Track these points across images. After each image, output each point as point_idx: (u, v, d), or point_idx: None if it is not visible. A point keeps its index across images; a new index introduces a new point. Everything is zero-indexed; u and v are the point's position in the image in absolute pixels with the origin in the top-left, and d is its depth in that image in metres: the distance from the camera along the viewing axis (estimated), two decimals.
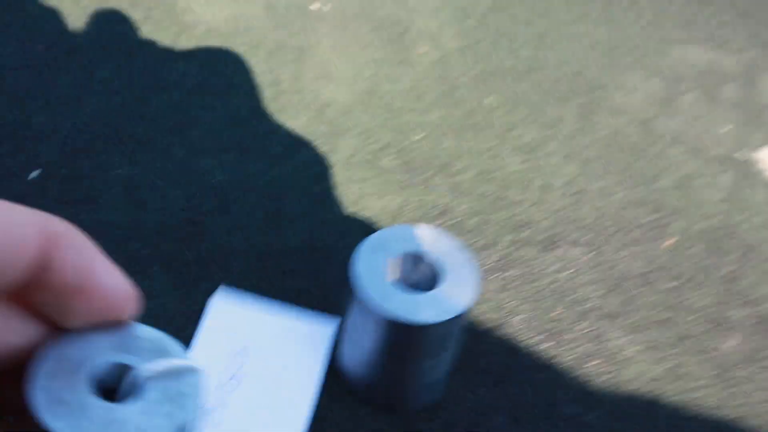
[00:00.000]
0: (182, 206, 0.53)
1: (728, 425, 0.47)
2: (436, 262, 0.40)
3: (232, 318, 0.45)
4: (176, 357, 0.25)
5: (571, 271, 0.54)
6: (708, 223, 0.59)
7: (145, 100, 0.60)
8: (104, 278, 0.25)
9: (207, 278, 0.49)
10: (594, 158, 0.62)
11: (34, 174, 0.53)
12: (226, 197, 0.54)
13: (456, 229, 0.55)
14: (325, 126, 0.61)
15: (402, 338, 0.39)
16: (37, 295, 0.25)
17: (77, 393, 0.24)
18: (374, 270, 0.39)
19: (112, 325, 0.26)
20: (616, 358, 0.49)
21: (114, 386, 0.25)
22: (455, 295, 0.39)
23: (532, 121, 0.64)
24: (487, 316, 0.50)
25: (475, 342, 0.48)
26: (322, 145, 0.59)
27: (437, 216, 0.56)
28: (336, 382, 0.45)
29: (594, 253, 0.55)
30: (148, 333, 0.26)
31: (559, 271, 0.53)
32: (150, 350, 0.26)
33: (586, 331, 0.50)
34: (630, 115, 0.66)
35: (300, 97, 0.62)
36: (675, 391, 0.48)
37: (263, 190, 0.55)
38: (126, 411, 0.24)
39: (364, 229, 0.54)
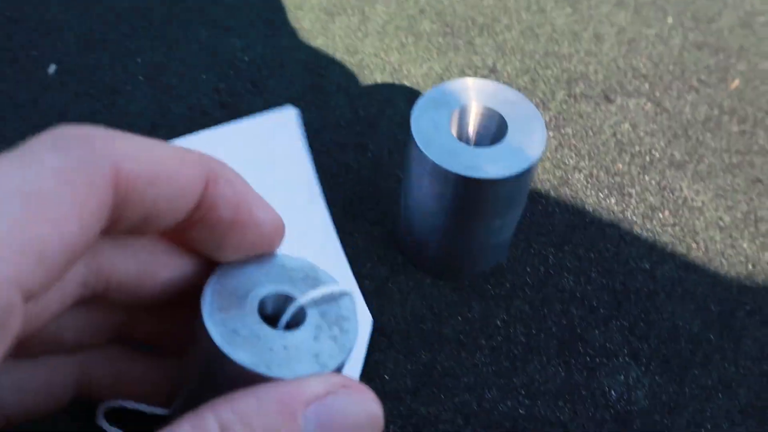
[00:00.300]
0: (212, 89, 0.50)
1: None
2: (500, 114, 0.37)
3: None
4: (328, 283, 0.27)
5: (631, 122, 0.50)
6: None
7: None
8: (258, 212, 0.25)
9: None
10: (647, 2, 0.58)
11: (51, 69, 0.50)
12: (258, 76, 0.51)
13: None
14: None
15: (468, 196, 0.36)
16: (194, 230, 0.24)
17: (249, 323, 0.25)
18: (435, 125, 0.37)
19: (261, 256, 0.26)
20: (684, 208, 0.46)
21: (274, 315, 0.26)
22: (522, 148, 0.36)
23: None
24: (547, 176, 0.47)
25: (537, 203, 0.46)
26: (355, 14, 0.56)
27: (485, 77, 0.52)
28: (394, 254, 0.43)
29: (654, 102, 0.52)
30: (296, 262, 0.28)
31: (618, 124, 0.50)
32: (302, 279, 0.27)
33: (651, 183, 0.47)
34: None
35: None
36: (749, 238, 0.45)
37: (297, 67, 0.52)
38: (297, 337, 0.26)
39: (408, 96, 0.51)
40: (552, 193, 0.46)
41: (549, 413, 0.38)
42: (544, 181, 0.47)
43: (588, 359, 0.40)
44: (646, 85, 0.53)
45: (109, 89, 0.50)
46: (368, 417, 0.23)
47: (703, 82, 0.53)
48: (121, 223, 0.23)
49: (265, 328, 0.25)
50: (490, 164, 0.36)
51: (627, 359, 0.40)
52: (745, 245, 0.45)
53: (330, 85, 0.51)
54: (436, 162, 0.35)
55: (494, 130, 0.38)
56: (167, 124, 0.48)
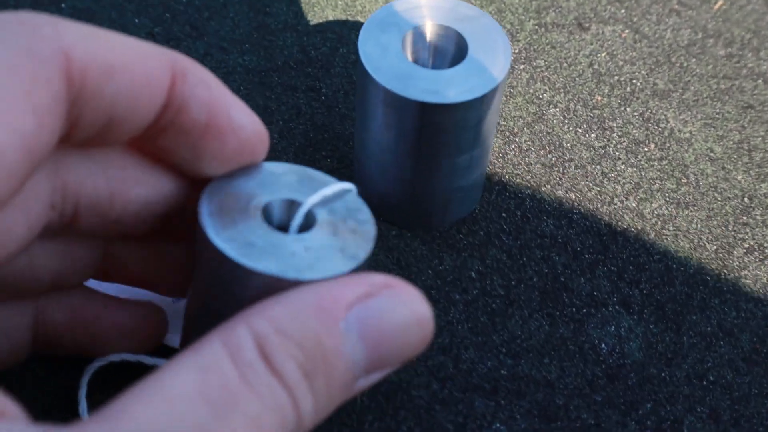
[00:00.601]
0: (146, 35, 0.45)
1: None
2: (458, 32, 0.33)
3: None
4: (328, 182, 0.26)
5: (608, 51, 0.46)
6: None
7: None
8: (236, 115, 0.22)
9: None
10: None
11: None
12: (198, 18, 0.46)
13: None
14: None
15: (429, 125, 0.32)
16: (166, 139, 0.21)
17: (260, 234, 0.23)
18: (385, 49, 0.32)
19: (247, 168, 0.23)
20: (671, 140, 0.42)
21: (281, 224, 0.25)
22: (486, 68, 0.32)
23: None
24: (520, 112, 0.43)
25: (510, 142, 0.42)
26: None
27: None
28: None
29: (632, 28, 0.47)
30: (286, 167, 0.27)
31: (594, 53, 0.46)
32: (298, 182, 0.26)
33: (634, 114, 0.43)
34: None
35: None
36: (743, 169, 0.41)
37: (240, 5, 0.47)
38: (316, 237, 0.24)
39: None
40: (526, 130, 0.42)
41: (534, 372, 0.34)
42: (517, 117, 0.43)
43: (574, 310, 0.36)
44: (623, 11, 0.48)
45: None
46: (416, 318, 0.21)
47: (684, 4, 0.49)
48: (81, 128, 0.21)
49: (279, 235, 0.24)
50: (451, 87, 0.31)
51: (617, 308, 0.36)
52: (739, 177, 0.41)
53: (277, 23, 0.46)
54: (389, 88, 0.30)
55: (453, 51, 0.34)
56: None
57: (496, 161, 0.41)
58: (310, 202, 0.25)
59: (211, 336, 0.19)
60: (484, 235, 0.38)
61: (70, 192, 0.23)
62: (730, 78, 0.45)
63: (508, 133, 0.42)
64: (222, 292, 0.24)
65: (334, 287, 0.21)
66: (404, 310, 0.21)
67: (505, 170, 0.40)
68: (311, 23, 0.46)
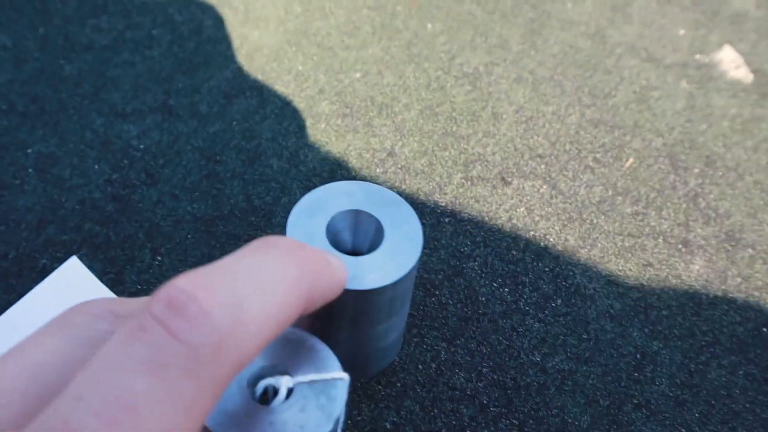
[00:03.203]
0: (104, 181, 0.49)
1: (698, 354, 0.45)
2: (376, 218, 0.37)
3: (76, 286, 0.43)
4: (328, 367, 0.30)
5: (526, 206, 0.51)
6: (668, 137, 0.56)
7: (53, 67, 0.56)
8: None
9: (138, 259, 0.46)
10: (545, 78, 0.59)
11: None
12: (153, 165, 0.51)
13: (403, 172, 0.52)
14: (255, 74, 0.57)
15: (348, 306, 0.36)
16: None
17: (239, 403, 0.28)
18: (311, 235, 0.36)
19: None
20: (576, 296, 0.47)
21: (272, 389, 0.29)
22: (401, 253, 0.36)
23: (476, 46, 0.60)
24: (442, 266, 0.47)
25: (431, 294, 0.46)
26: (254, 97, 0.55)
27: (382, 161, 0.52)
28: None
29: (550, 184, 0.52)
30: (296, 334, 0.31)
31: (514, 208, 0.51)
32: (294, 350, 0.30)
33: (545, 270, 0.48)
34: (581, 27, 0.63)
35: (225, 45, 0.58)
36: (638, 326, 0.46)
37: (193, 154, 0.51)
38: (284, 412, 0.28)
39: (306, 182, 0.50)
40: (446, 283, 0.46)
41: None
42: (439, 271, 0.47)
43: None
44: (543, 166, 0.53)
45: None
46: None
47: (598, 161, 0.54)
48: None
49: (254, 407, 0.28)
50: (368, 273, 0.35)
51: None
52: (635, 334, 0.45)
53: (226, 172, 0.51)
54: None
55: (372, 235, 0.38)
56: (57, 220, 0.47)
57: (416, 313, 0.45)
58: (297, 380, 0.29)
59: None
60: (400, 387, 0.42)
61: None
62: (634, 236, 0.50)
63: (429, 286, 0.46)
64: None
65: None
66: None
67: (423, 322, 0.45)
68: (257, 172, 0.51)
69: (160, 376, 0.20)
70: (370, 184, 0.39)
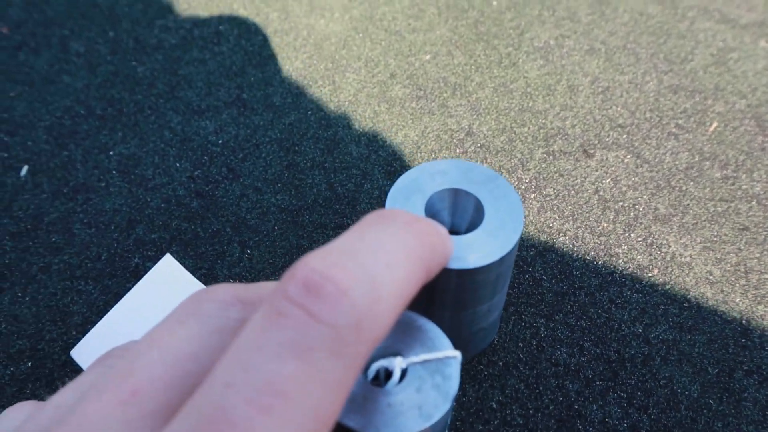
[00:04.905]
0: (187, 178, 0.50)
1: None
2: (475, 196, 0.37)
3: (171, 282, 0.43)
4: (439, 345, 0.30)
5: (612, 177, 0.50)
6: (752, 98, 0.54)
7: (126, 69, 0.56)
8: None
9: (228, 253, 0.46)
10: (618, 48, 0.57)
11: (23, 171, 0.50)
12: (233, 159, 0.51)
13: (483, 151, 0.51)
14: (326, 63, 0.56)
15: (451, 287, 0.36)
16: None
17: (357, 386, 0.28)
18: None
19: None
20: (673, 264, 0.46)
21: (385, 371, 0.29)
22: (502, 231, 0.35)
23: (544, 20, 0.59)
24: (532, 242, 0.46)
25: (524, 272, 0.45)
26: (326, 85, 0.55)
27: (461, 141, 0.52)
28: None
29: (634, 153, 0.51)
30: (404, 315, 0.31)
31: (600, 180, 0.50)
32: (406, 331, 0.30)
33: (638, 240, 0.47)
34: None
35: (293, 36, 0.58)
36: (740, 291, 0.44)
37: (271, 146, 0.51)
38: (401, 393, 0.28)
39: (385, 167, 0.50)
40: (539, 259, 0.46)
41: None
42: (530, 247, 0.46)
43: None
44: (624, 136, 0.52)
45: (83, 187, 0.49)
46: None
47: (681, 127, 0.53)
48: None
49: (371, 389, 0.28)
50: (470, 253, 0.35)
51: None
52: (737, 299, 0.44)
53: (305, 162, 0.50)
54: None
55: (471, 213, 0.37)
56: (145, 220, 0.47)
57: (511, 291, 0.44)
58: (409, 361, 0.29)
59: None
60: (503, 366, 0.42)
61: None
62: (726, 200, 0.49)
63: (522, 264, 0.46)
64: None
65: None
66: None
67: (520, 300, 0.44)
68: (337, 160, 0.51)
69: (307, 359, 0.20)
70: (465, 161, 0.38)
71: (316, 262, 0.21)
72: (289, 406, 0.20)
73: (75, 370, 0.40)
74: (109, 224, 0.47)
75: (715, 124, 0.53)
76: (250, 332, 0.21)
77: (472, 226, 0.37)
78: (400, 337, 0.31)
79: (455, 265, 0.35)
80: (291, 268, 0.21)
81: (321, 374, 0.21)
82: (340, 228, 0.47)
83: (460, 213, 0.38)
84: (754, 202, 0.48)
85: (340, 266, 0.22)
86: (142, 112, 0.53)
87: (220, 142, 0.52)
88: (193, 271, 0.45)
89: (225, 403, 0.19)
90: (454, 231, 0.38)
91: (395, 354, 0.30)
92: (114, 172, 0.50)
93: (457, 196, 0.38)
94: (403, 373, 0.29)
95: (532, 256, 0.46)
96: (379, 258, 0.24)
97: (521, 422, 0.40)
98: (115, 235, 0.47)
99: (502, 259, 0.35)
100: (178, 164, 0.50)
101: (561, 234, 0.47)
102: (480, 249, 0.35)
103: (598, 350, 0.42)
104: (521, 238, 0.46)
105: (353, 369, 0.21)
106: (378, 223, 0.25)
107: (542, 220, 0.48)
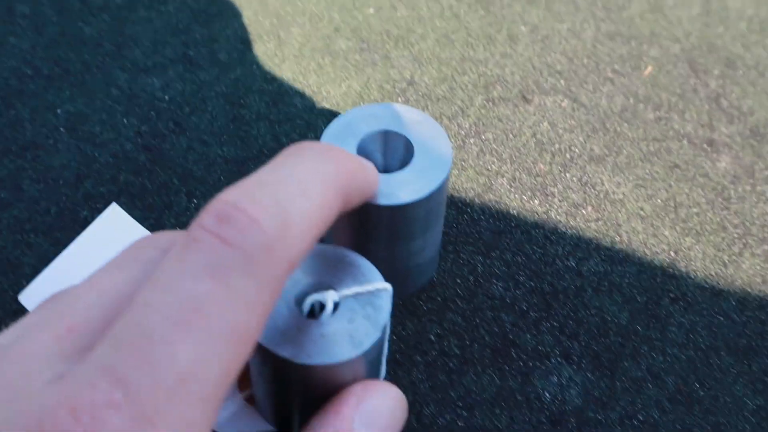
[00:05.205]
0: (134, 133, 0.51)
1: (730, 246, 0.45)
2: (405, 137, 0.38)
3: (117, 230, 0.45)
4: (370, 279, 0.31)
5: (549, 121, 0.51)
6: (686, 42, 0.56)
7: (73, 29, 0.57)
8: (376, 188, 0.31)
9: (175, 203, 0.47)
10: None
11: None
12: (180, 114, 0.52)
13: (425, 100, 0.52)
14: (270, 19, 0.57)
15: (384, 222, 0.37)
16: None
17: (289, 318, 0.29)
18: None
19: None
20: (606, 202, 0.47)
21: (318, 304, 0.31)
22: (431, 168, 0.37)
23: None
24: (471, 184, 0.48)
25: (462, 212, 0.47)
26: (271, 40, 0.56)
27: (403, 90, 0.53)
28: None
29: (571, 98, 0.53)
30: (329, 252, 0.32)
31: (537, 124, 0.51)
32: (335, 264, 0.31)
33: (573, 180, 0.48)
34: None
35: None
36: (669, 225, 0.46)
37: (217, 100, 0.52)
38: (333, 324, 0.29)
39: (329, 118, 0.51)
40: (477, 200, 0.47)
41: (487, 422, 0.39)
42: (468, 189, 0.48)
43: (521, 364, 0.41)
44: (562, 82, 0.54)
45: (32, 145, 0.50)
46: (396, 401, 0.28)
47: (617, 72, 0.54)
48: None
49: (304, 321, 0.29)
50: (400, 190, 0.36)
51: (559, 359, 0.41)
52: (666, 233, 0.46)
53: (251, 115, 0.52)
54: None
55: (402, 153, 0.39)
56: (93, 174, 0.48)
57: (449, 231, 0.46)
58: (342, 294, 0.30)
59: None
60: (441, 301, 0.43)
61: None
62: (659, 140, 0.50)
63: (460, 204, 0.47)
64: (258, 361, 0.30)
65: (338, 400, 0.28)
66: (387, 399, 0.28)
67: (458, 239, 0.46)
68: (282, 112, 0.52)
69: (221, 279, 0.21)
70: (396, 104, 0.40)
71: (229, 195, 0.23)
72: (206, 321, 0.21)
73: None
74: (58, 179, 0.48)
75: (650, 68, 0.54)
76: (168, 259, 0.22)
77: (403, 166, 0.38)
78: (334, 272, 0.32)
79: (386, 201, 0.36)
80: (208, 203, 0.23)
81: (235, 293, 0.22)
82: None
83: (391, 154, 0.39)
84: (684, 141, 0.50)
85: (251, 197, 0.23)
86: (89, 71, 0.54)
87: (166, 98, 0.53)
88: (141, 221, 0.46)
89: (144, 321, 0.20)
90: (386, 172, 0.40)
91: (328, 288, 0.31)
92: (62, 129, 0.51)
93: (387, 137, 0.39)
94: (336, 306, 0.31)
95: (471, 197, 0.47)
96: (291, 186, 0.25)
97: (458, 352, 0.41)
98: (65, 189, 0.48)
99: (430, 195, 0.37)
100: (125, 120, 0.51)
101: (499, 176, 0.49)
102: (409, 186, 0.37)
103: (532, 283, 0.44)
104: (459, 181, 0.48)
105: (268, 289, 0.23)
106: (294, 155, 0.27)
107: (481, 163, 0.49)
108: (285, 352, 0.28)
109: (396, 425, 0.28)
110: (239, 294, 0.22)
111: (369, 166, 0.31)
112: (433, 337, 0.42)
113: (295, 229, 0.24)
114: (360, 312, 0.30)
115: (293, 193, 0.24)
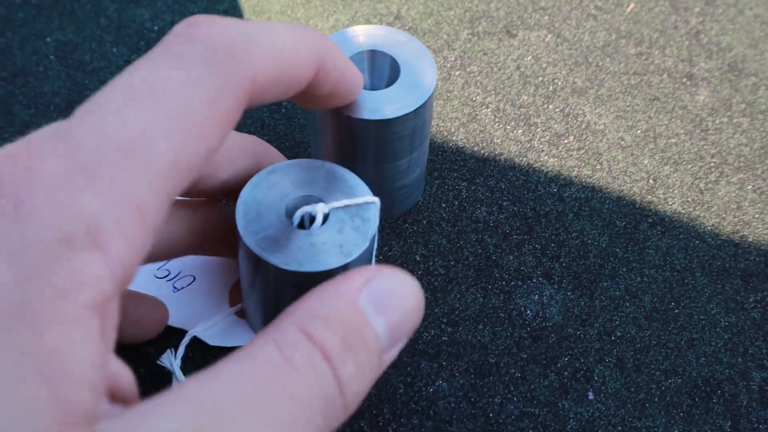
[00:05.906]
0: (125, 62, 0.51)
1: (707, 174, 0.47)
2: (391, 56, 0.39)
3: None
4: (355, 191, 0.33)
5: (533, 55, 0.52)
6: None
7: None
8: (352, 84, 0.32)
9: None
10: None
11: None
12: None
13: (411, 33, 0.53)
14: None
15: (371, 138, 0.38)
16: (311, 91, 0.29)
17: (279, 228, 0.31)
18: None
19: (287, 163, 0.33)
20: (588, 132, 0.49)
21: (308, 216, 0.32)
22: (417, 86, 0.38)
23: None
24: (456, 114, 0.49)
25: (448, 140, 0.48)
26: None
27: (390, 24, 0.54)
28: None
29: (554, 33, 0.54)
30: (321, 165, 0.33)
31: (521, 57, 0.52)
32: (325, 179, 0.33)
33: (555, 111, 0.50)
34: None
35: None
36: (648, 154, 0.48)
37: None
38: (323, 234, 0.31)
39: None
40: (461, 129, 0.48)
41: (470, 337, 0.41)
42: (453, 119, 0.49)
43: (504, 284, 0.42)
44: (546, 17, 0.54)
45: (21, 71, 0.50)
46: (411, 288, 0.25)
47: (600, 9, 0.55)
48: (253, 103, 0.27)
49: (295, 231, 0.31)
50: (387, 105, 0.37)
51: (540, 279, 0.43)
52: (645, 161, 0.47)
53: None
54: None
55: (388, 72, 0.40)
56: (83, 101, 0.49)
57: (434, 158, 0.47)
58: (331, 206, 0.31)
59: (265, 340, 0.22)
60: (426, 224, 0.44)
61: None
62: (639, 74, 0.52)
63: (445, 133, 0.48)
64: (250, 271, 0.31)
65: (344, 278, 0.24)
66: (400, 283, 0.25)
67: (444, 166, 0.47)
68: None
69: (181, 66, 0.23)
70: (383, 26, 0.41)
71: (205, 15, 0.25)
72: (161, 99, 0.22)
73: None
74: (49, 105, 0.49)
75: (632, 5, 0.55)
76: (141, 57, 0.24)
77: (390, 84, 0.39)
78: (324, 186, 0.33)
79: (373, 116, 0.37)
80: None
81: (193, 81, 0.23)
82: (272, 104, 0.49)
83: (377, 73, 0.40)
84: (665, 75, 0.51)
85: (222, 18, 0.25)
86: (78, 1, 0.54)
87: (155, 28, 0.53)
88: None
89: (101, 96, 0.23)
90: (373, 90, 0.41)
91: (318, 201, 0.33)
92: (52, 57, 0.51)
93: (374, 56, 0.40)
94: (326, 217, 0.32)
95: (456, 126, 0.48)
96: (264, 24, 0.26)
97: (443, 272, 0.43)
98: (55, 115, 0.48)
99: (416, 111, 0.38)
100: (115, 49, 0.52)
101: (483, 107, 0.50)
102: (396, 102, 0.38)
103: (515, 208, 0.45)
104: (445, 111, 0.49)
105: (228, 89, 0.24)
106: (287, 24, 0.28)
107: (466, 94, 0.50)
108: (276, 260, 0.30)
109: (411, 318, 0.25)
110: (196, 83, 0.23)
111: (356, 69, 0.32)
112: (418, 258, 0.43)
113: (261, 51, 0.24)
114: (349, 223, 0.31)
115: (267, 29, 0.25)
